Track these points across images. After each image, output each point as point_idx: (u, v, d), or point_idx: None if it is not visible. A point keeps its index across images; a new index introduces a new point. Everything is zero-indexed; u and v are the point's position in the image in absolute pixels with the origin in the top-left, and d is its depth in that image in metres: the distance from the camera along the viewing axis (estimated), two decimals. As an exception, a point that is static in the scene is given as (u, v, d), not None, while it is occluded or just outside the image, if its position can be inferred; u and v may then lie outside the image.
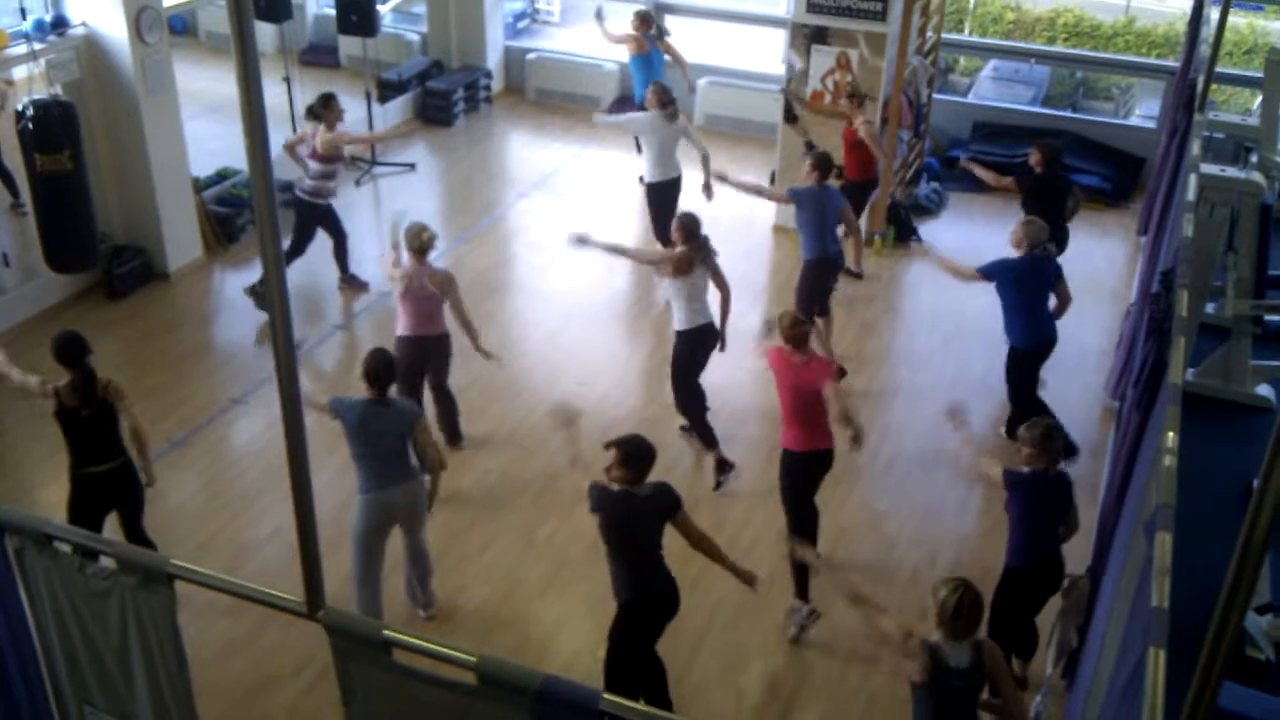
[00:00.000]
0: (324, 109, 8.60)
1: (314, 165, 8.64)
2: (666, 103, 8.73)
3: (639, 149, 9.35)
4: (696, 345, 6.98)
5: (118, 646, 3.50)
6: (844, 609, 6.25)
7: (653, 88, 8.83)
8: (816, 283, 8.05)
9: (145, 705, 3.60)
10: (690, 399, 7.08)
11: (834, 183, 7.94)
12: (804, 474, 6.06)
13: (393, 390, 5.76)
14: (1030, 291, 6.94)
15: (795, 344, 5.84)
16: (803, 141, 9.68)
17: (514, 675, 2.87)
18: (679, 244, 6.85)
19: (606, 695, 2.79)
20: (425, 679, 3.03)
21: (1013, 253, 7.02)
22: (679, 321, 6.95)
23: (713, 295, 7.03)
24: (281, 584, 3.31)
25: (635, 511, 5.02)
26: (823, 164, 7.72)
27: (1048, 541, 5.29)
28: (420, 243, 6.87)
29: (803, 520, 6.09)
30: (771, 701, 5.76)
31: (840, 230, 7.96)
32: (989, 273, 6.94)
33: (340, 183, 9.05)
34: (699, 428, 7.10)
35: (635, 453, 5.00)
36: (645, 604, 5.16)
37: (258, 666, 5.81)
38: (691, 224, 6.86)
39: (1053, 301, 7.12)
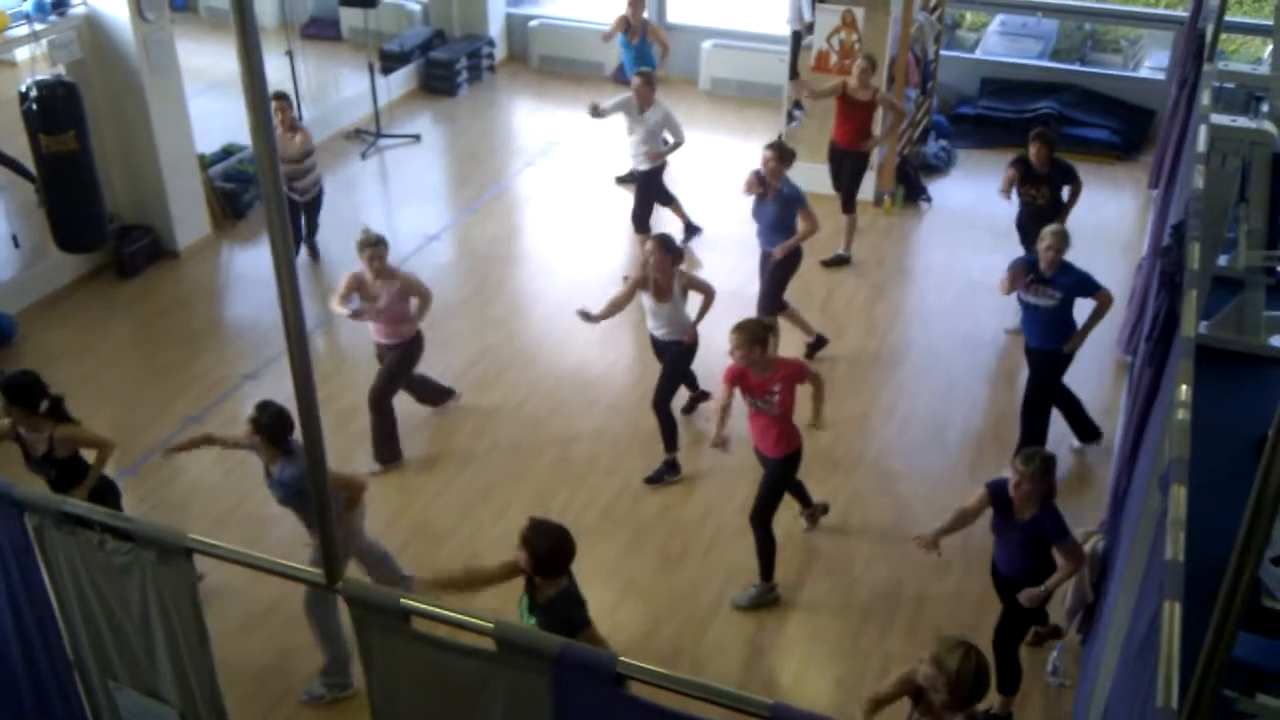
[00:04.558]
0: None
1: None
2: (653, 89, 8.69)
3: (630, 130, 9.06)
4: (696, 346, 6.88)
5: (139, 621, 3.54)
6: (862, 569, 6.30)
7: (642, 79, 8.69)
8: (790, 275, 7.79)
9: (168, 678, 3.64)
10: (672, 396, 6.93)
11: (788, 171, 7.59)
12: (796, 469, 6.03)
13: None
14: None
15: (763, 348, 5.53)
16: (793, 100, 9.54)
17: (533, 640, 2.90)
18: (661, 263, 6.52)
19: (622, 659, 2.82)
20: (444, 646, 3.06)
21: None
22: (684, 330, 6.78)
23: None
24: (298, 557, 3.33)
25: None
26: (785, 153, 7.49)
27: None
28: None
29: (774, 506, 6.04)
30: (787, 663, 5.80)
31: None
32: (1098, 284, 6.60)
33: (311, 182, 8.81)
34: (666, 423, 6.90)
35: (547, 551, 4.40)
36: None
37: (276, 639, 5.85)
38: (670, 241, 6.70)
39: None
